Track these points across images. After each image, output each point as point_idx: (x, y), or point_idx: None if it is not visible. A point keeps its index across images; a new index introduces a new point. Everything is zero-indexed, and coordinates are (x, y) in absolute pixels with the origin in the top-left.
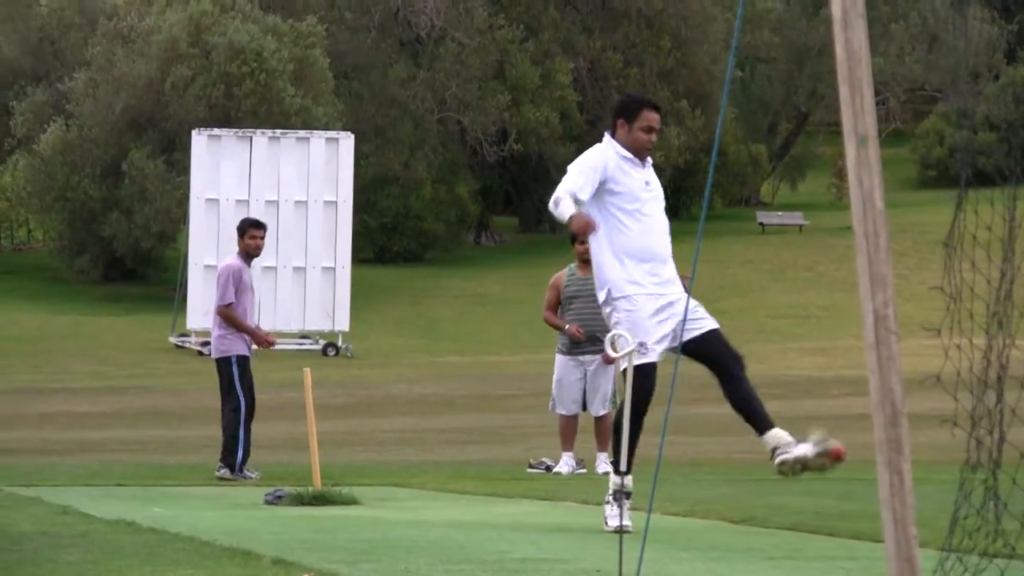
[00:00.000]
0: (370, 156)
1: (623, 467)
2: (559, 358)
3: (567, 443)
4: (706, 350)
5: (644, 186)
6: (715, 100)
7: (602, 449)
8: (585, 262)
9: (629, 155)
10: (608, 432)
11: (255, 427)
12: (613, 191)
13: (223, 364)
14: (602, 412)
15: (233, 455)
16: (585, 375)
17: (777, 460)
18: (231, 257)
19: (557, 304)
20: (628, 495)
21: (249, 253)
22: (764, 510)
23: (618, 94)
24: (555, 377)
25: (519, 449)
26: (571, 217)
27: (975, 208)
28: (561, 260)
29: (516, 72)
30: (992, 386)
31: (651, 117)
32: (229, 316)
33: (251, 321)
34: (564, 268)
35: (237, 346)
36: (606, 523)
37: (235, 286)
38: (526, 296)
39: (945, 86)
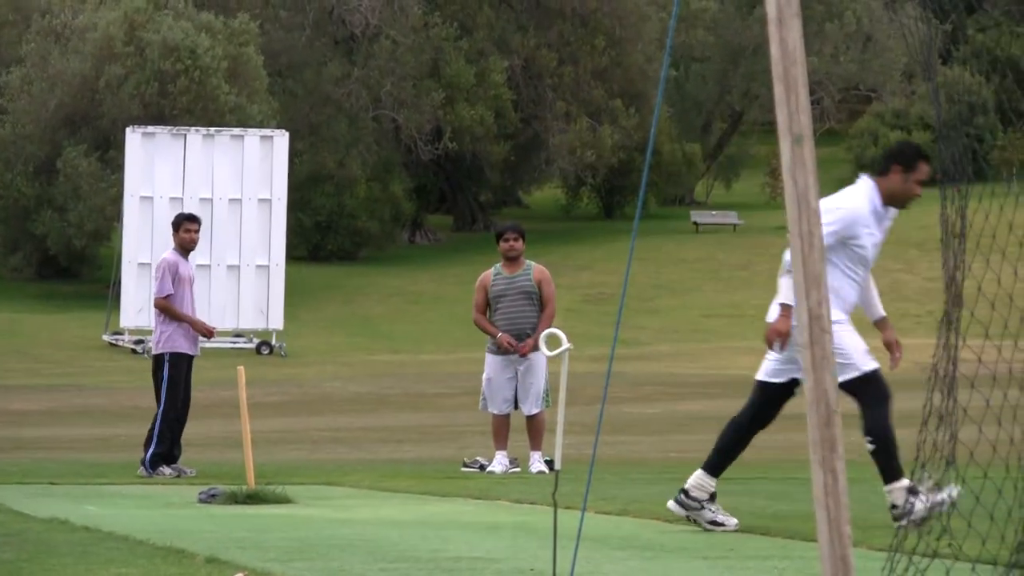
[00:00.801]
0: (304, 154)
1: (900, 476)
2: (489, 357)
3: (500, 442)
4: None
5: (879, 240)
6: (649, 99)
7: (535, 448)
8: (511, 259)
9: (880, 206)
10: (541, 431)
11: (191, 425)
12: (853, 247)
13: (157, 360)
14: (535, 411)
15: (146, 449)
16: (516, 374)
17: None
18: (167, 251)
19: (486, 304)
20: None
21: (184, 247)
22: None
23: (552, 92)
24: (485, 376)
25: (453, 448)
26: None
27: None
28: (495, 258)
29: (451, 70)
30: (943, 386)
31: (926, 170)
32: (167, 307)
33: (191, 310)
34: (490, 268)
35: (176, 343)
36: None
37: (172, 278)
38: (460, 295)
39: (878, 86)
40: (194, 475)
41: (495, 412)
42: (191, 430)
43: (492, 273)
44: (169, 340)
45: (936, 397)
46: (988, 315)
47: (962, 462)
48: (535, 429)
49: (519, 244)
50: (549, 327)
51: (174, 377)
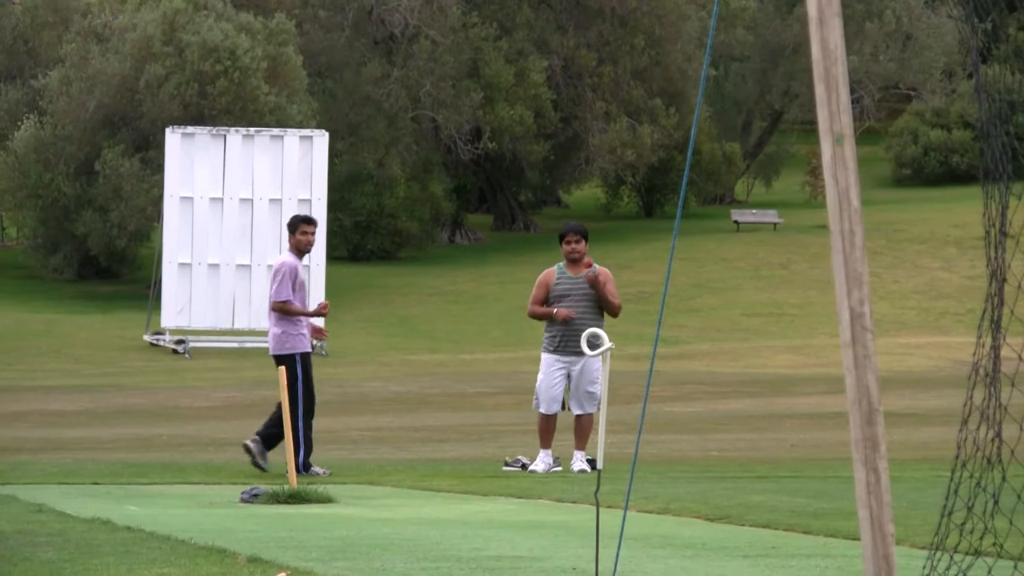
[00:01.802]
0: (344, 154)
1: None
2: (545, 356)
3: (545, 441)
4: None
5: None
6: (689, 98)
7: (580, 447)
8: (573, 261)
9: None
10: (588, 431)
11: (233, 425)
12: None
13: (288, 361)
14: (581, 412)
15: (296, 455)
16: (569, 375)
17: None
18: (286, 254)
19: (544, 301)
20: None
21: (300, 249)
22: (739, 508)
23: (592, 92)
24: (540, 375)
25: (494, 447)
26: None
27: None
28: (535, 258)
29: (490, 70)
30: (983, 383)
31: None
32: (286, 310)
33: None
34: (552, 266)
35: (300, 343)
36: None
37: (292, 281)
38: (499, 294)
39: (919, 84)
40: (329, 474)
41: (543, 411)
42: (233, 430)
43: (556, 272)
44: (292, 341)
45: (977, 395)
46: None
47: (1004, 460)
48: (582, 429)
49: (581, 246)
50: (614, 310)
51: (308, 376)
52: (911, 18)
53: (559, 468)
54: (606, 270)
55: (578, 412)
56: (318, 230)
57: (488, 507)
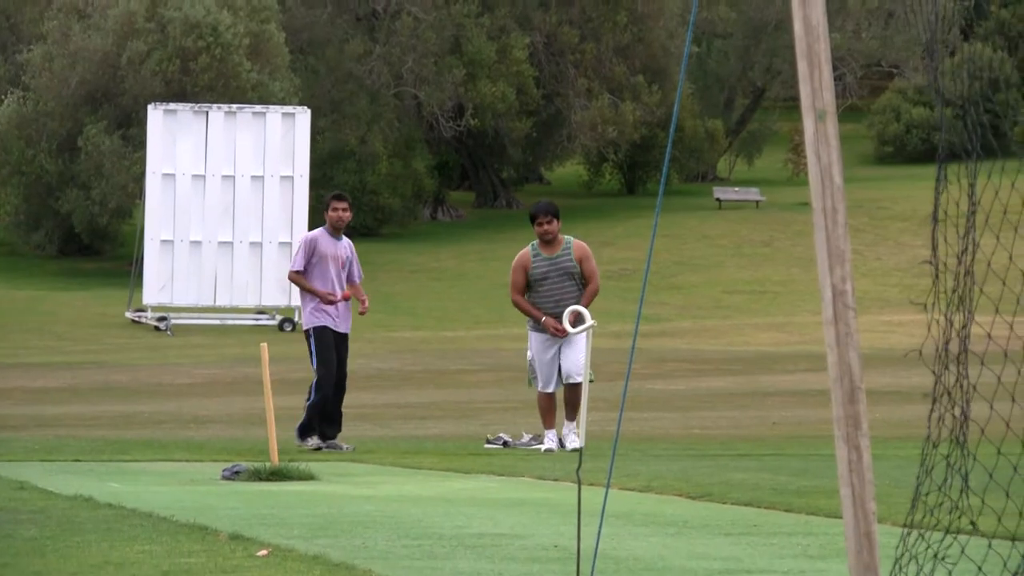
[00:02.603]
0: (326, 131)
1: None
2: (532, 335)
3: (549, 420)
4: None
5: None
6: (671, 75)
7: (570, 418)
8: (547, 243)
9: None
10: (579, 401)
11: (214, 402)
12: None
13: (305, 336)
14: (578, 379)
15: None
16: (559, 350)
17: None
18: (319, 229)
19: (526, 285)
20: None
21: (334, 225)
22: (721, 486)
23: (574, 68)
24: (530, 355)
25: (476, 424)
26: None
27: (945, 187)
28: (516, 235)
29: (472, 47)
30: (955, 361)
31: None
32: (296, 281)
33: (334, 288)
34: (525, 246)
35: (317, 318)
36: None
37: (308, 255)
38: (482, 271)
39: (901, 62)
40: (351, 451)
41: (542, 390)
42: (215, 407)
43: (531, 253)
44: (310, 316)
45: (946, 375)
46: (998, 290)
47: (973, 439)
48: (575, 398)
49: (553, 226)
50: (590, 303)
51: (320, 352)
52: None
53: (542, 446)
54: (583, 245)
55: (567, 380)
56: (300, 207)
57: (470, 484)
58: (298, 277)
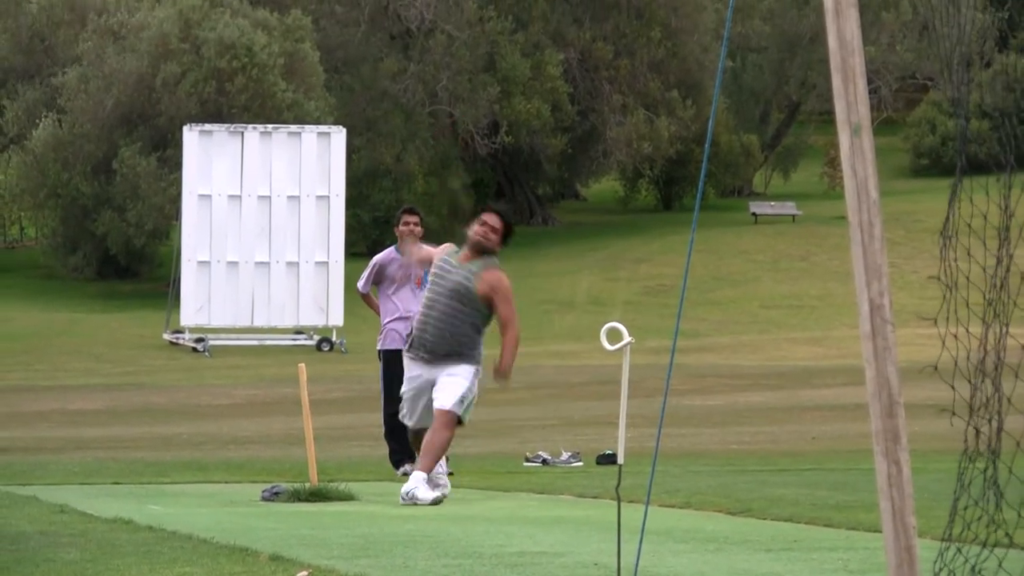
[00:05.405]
0: (362, 150)
1: None
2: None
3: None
4: None
5: None
6: (706, 90)
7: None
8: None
9: None
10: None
11: (254, 423)
12: None
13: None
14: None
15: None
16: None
17: None
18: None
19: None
20: None
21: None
22: (761, 501)
23: (608, 84)
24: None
25: (514, 442)
26: None
27: (970, 196)
28: (552, 251)
29: (506, 64)
30: (989, 375)
31: None
32: (365, 300)
33: (406, 307)
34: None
35: (386, 340)
36: None
37: (374, 274)
38: (518, 288)
39: (935, 74)
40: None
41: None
42: (253, 428)
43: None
44: (381, 339)
45: (983, 387)
46: None
47: (1008, 452)
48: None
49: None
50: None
51: (386, 375)
52: (928, 8)
53: (580, 463)
54: (498, 278)
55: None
56: (336, 226)
57: (509, 503)
58: (362, 297)
